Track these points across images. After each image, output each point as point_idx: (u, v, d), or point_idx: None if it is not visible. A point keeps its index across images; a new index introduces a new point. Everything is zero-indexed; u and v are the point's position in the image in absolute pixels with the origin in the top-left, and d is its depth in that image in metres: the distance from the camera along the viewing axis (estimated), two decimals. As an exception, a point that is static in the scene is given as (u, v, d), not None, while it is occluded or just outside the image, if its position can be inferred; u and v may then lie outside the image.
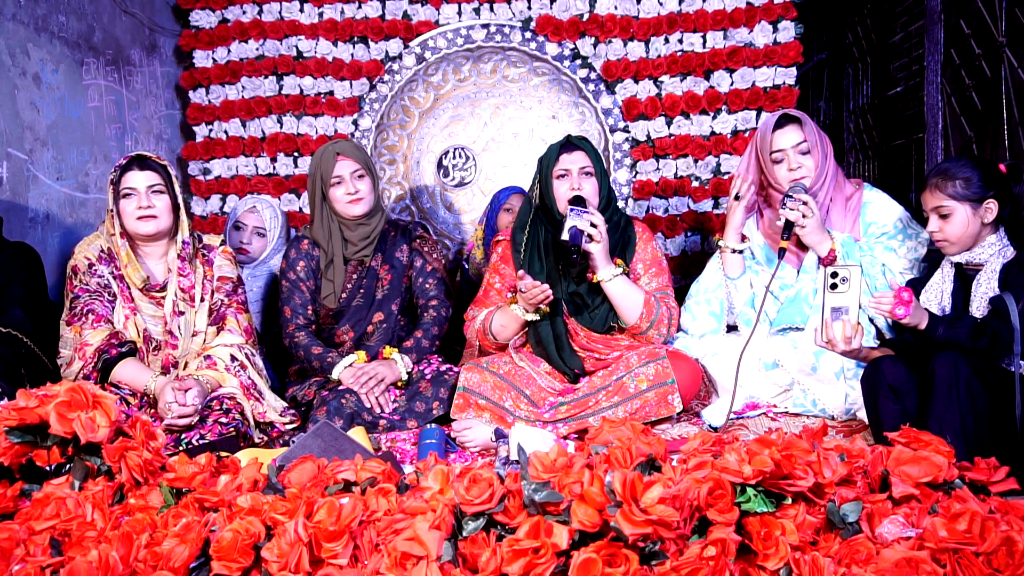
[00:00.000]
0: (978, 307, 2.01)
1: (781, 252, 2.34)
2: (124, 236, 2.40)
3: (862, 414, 2.25)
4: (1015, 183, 2.04)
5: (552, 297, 2.34)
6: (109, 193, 2.40)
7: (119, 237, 2.39)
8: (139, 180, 2.36)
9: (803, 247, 2.45)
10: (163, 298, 2.44)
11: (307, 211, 3.58)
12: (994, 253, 2.02)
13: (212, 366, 2.39)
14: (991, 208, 2.01)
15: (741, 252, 2.55)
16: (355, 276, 2.71)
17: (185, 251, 2.46)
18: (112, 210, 2.39)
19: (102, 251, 2.42)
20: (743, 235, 2.56)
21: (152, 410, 2.29)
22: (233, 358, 2.43)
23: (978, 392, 1.81)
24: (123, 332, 2.38)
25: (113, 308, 2.39)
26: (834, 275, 1.95)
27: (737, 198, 2.51)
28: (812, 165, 2.43)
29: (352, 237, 2.68)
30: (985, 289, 2.00)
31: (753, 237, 2.59)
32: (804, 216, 2.32)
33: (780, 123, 2.47)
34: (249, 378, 2.42)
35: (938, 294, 2.12)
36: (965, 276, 2.09)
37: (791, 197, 2.34)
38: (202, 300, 2.48)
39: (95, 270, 2.39)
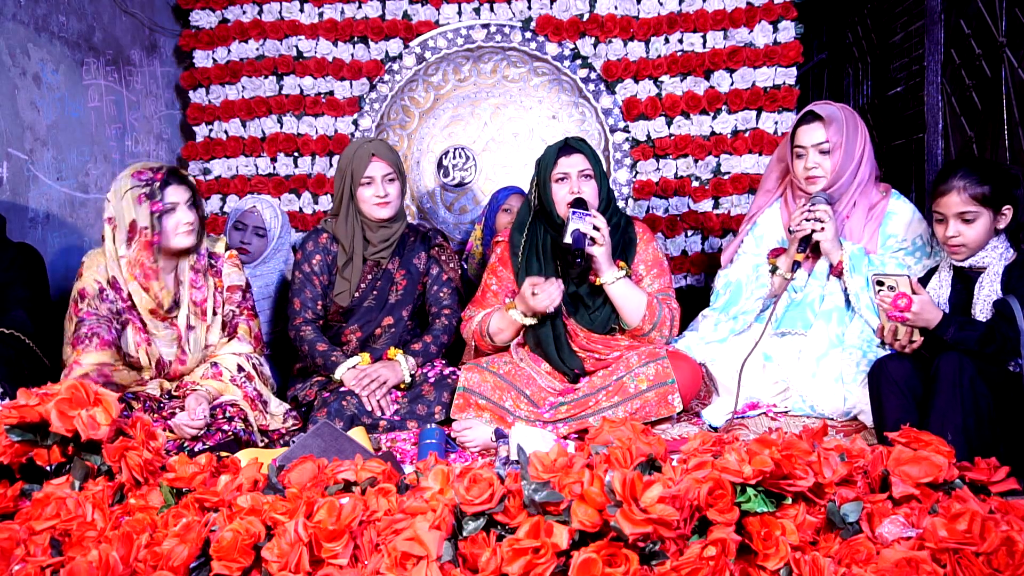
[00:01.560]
0: (981, 309, 2.01)
1: (795, 265, 2.32)
2: (137, 264, 2.28)
3: (862, 417, 2.25)
4: (1015, 187, 2.05)
5: (562, 295, 2.34)
6: (131, 206, 2.25)
7: (125, 269, 2.28)
8: (180, 195, 2.29)
9: (816, 253, 2.40)
10: (175, 318, 2.38)
11: (307, 211, 3.60)
12: (997, 256, 2.02)
13: (218, 375, 2.37)
14: (1006, 214, 2.01)
15: (790, 280, 2.44)
16: (370, 277, 2.68)
17: (200, 263, 2.40)
18: (144, 229, 2.25)
19: (111, 276, 2.31)
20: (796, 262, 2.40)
21: (155, 415, 2.28)
22: (240, 368, 2.41)
23: (982, 392, 1.81)
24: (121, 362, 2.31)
25: (120, 335, 2.31)
26: (880, 283, 2.02)
27: (790, 232, 2.40)
28: (830, 166, 2.35)
29: (373, 238, 2.65)
30: (988, 292, 2.00)
31: (774, 227, 2.55)
32: (821, 222, 2.28)
33: (807, 118, 2.40)
34: (255, 389, 2.40)
35: (935, 299, 2.12)
36: (966, 279, 2.09)
37: (810, 209, 2.30)
38: (214, 313, 2.44)
39: (106, 295, 2.29)
